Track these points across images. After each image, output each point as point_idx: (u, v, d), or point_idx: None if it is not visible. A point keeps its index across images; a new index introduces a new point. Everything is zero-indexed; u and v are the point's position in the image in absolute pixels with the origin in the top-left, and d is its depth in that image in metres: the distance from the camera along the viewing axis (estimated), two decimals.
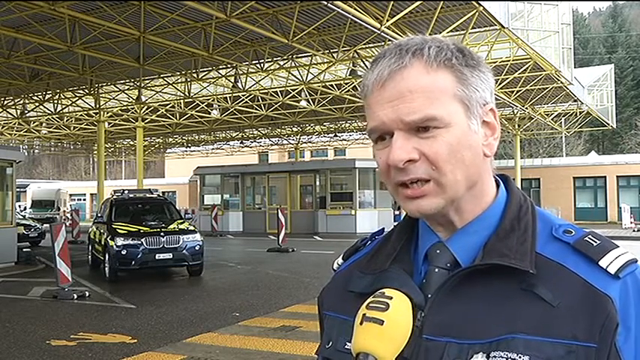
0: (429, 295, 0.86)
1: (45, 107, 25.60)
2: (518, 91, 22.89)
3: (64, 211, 39.94)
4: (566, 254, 0.84)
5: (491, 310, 0.82)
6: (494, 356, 0.79)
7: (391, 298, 0.85)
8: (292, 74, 20.75)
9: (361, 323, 0.84)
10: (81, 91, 23.36)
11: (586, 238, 0.85)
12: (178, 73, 19.95)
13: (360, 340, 0.83)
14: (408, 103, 0.83)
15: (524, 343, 0.78)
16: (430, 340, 0.83)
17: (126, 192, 14.84)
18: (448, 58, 0.85)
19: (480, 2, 13.10)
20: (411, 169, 0.84)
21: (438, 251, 0.89)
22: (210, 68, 19.97)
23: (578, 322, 0.78)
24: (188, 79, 20.99)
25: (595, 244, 0.84)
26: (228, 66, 19.48)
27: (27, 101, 25.19)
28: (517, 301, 0.81)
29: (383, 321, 0.82)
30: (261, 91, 23.43)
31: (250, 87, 21.53)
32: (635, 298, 0.80)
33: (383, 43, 16.19)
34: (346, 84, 22.20)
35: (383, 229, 1.05)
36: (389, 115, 0.84)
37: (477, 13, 13.53)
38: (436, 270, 0.88)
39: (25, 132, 34.24)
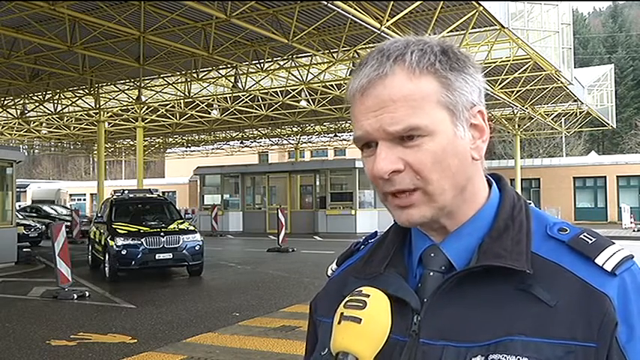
0: (425, 299, 0.85)
1: (45, 107, 25.59)
2: (518, 91, 22.89)
3: None
4: (562, 253, 0.83)
5: (488, 312, 0.81)
6: (493, 359, 0.78)
7: (368, 295, 0.84)
8: (292, 74, 20.74)
9: (339, 322, 0.83)
10: (81, 91, 23.35)
11: (581, 236, 0.84)
12: (178, 73, 19.95)
13: (339, 339, 0.82)
14: (391, 113, 0.81)
15: (522, 345, 0.77)
16: (427, 344, 0.83)
17: (126, 192, 14.83)
18: (431, 63, 0.83)
19: (480, 2, 13.10)
20: (397, 179, 0.83)
21: (432, 255, 0.88)
22: (210, 68, 19.96)
23: (577, 321, 0.77)
24: (188, 79, 20.99)
25: (590, 241, 0.83)
26: (228, 66, 19.48)
27: (27, 101, 25.16)
28: (514, 302, 0.80)
29: (360, 319, 0.82)
30: (261, 91, 23.43)
31: (250, 87, 21.52)
32: (634, 294, 0.79)
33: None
34: (346, 84, 22.06)
35: (376, 232, 1.04)
36: (372, 125, 0.83)
37: (477, 13, 13.53)
38: (431, 274, 0.88)
39: (25, 132, 34.23)
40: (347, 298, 0.85)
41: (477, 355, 0.79)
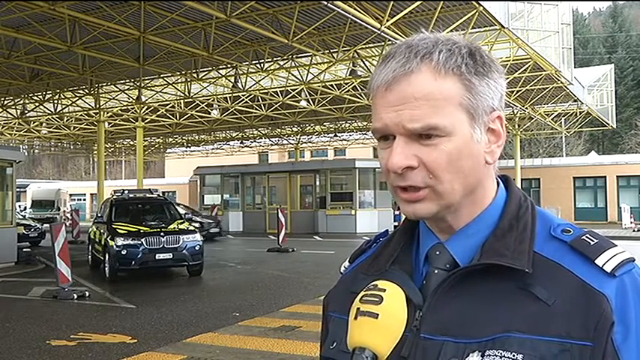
0: (428, 296, 0.87)
1: (45, 107, 25.59)
2: (518, 91, 22.87)
3: (64, 211, 39.91)
4: (564, 253, 0.84)
5: (487, 309, 0.82)
6: (489, 355, 0.79)
7: (384, 290, 0.85)
8: (292, 74, 20.74)
9: (355, 318, 0.84)
10: (81, 91, 23.36)
11: (583, 237, 0.85)
12: (178, 73, 19.94)
13: (356, 334, 0.83)
14: (412, 110, 0.82)
15: (518, 342, 0.78)
16: (428, 339, 0.84)
17: (126, 192, 14.83)
18: (457, 65, 0.84)
19: (480, 2, 13.11)
20: (409, 175, 0.84)
21: (437, 252, 0.90)
22: (210, 68, 19.96)
23: (573, 320, 0.78)
24: (188, 79, 20.99)
25: (592, 242, 0.84)
26: (228, 66, 19.48)
27: (27, 101, 25.17)
28: (513, 300, 0.82)
29: (377, 314, 0.83)
30: (261, 91, 23.42)
31: (250, 87, 21.52)
32: (634, 296, 0.80)
33: (383, 43, 16.20)
34: (346, 84, 22.19)
35: (387, 230, 1.06)
36: (392, 119, 0.84)
37: (477, 13, 13.53)
38: (436, 271, 0.89)
39: (25, 132, 34.23)
40: (362, 293, 0.86)
41: (474, 351, 0.80)
